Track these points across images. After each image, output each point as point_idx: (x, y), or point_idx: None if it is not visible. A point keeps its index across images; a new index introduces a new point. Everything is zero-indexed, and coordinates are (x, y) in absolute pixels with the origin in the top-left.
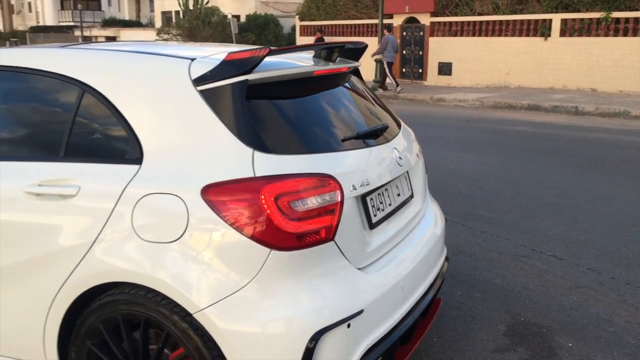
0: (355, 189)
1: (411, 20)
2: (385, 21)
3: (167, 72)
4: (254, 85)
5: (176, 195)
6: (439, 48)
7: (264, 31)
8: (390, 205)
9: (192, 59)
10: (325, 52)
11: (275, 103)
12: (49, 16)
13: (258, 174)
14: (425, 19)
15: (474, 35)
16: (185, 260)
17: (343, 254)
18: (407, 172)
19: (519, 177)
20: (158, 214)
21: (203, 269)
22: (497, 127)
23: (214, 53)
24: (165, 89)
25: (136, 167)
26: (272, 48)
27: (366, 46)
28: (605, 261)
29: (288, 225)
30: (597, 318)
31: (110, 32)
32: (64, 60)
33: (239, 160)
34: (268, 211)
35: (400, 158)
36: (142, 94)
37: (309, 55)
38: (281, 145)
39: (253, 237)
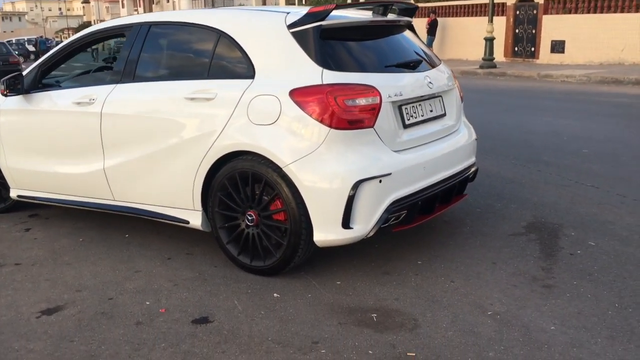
0: (390, 97)
1: None
2: (498, 1)
3: (272, 21)
4: (326, 29)
5: (274, 96)
6: (552, 26)
7: None
8: (422, 116)
9: (287, 13)
10: (381, 9)
11: (340, 41)
12: (184, 6)
13: (324, 82)
14: None
15: (588, 12)
16: (278, 135)
17: (380, 138)
18: (441, 97)
19: (593, 135)
20: (263, 107)
21: (288, 139)
22: (595, 98)
23: (301, 9)
24: (270, 31)
25: (250, 80)
26: (337, 4)
27: (417, 7)
28: (636, 190)
29: (342, 114)
30: (603, 220)
31: None
32: (207, 17)
33: (313, 75)
34: (329, 104)
35: (430, 83)
36: (256, 34)
37: (368, 12)
38: (342, 66)
39: (319, 120)
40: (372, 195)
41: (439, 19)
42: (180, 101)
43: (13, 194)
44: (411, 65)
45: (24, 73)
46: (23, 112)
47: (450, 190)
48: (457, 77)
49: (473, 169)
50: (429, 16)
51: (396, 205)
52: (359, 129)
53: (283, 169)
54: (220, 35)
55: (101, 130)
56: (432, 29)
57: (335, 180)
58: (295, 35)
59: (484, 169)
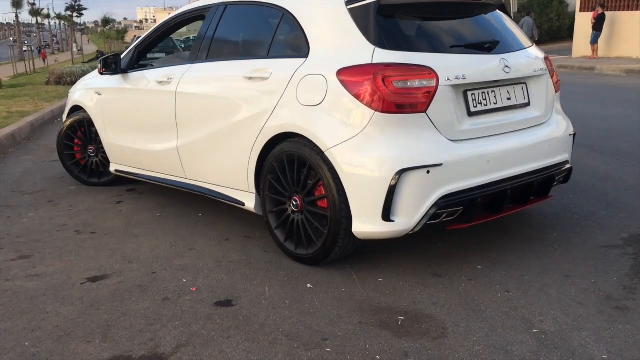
0: (450, 80)
1: None
2: None
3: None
4: (385, 5)
5: (322, 75)
6: None
7: (546, 9)
8: (495, 103)
9: None
10: None
11: (401, 18)
12: None
13: (374, 62)
14: None
15: None
16: (323, 116)
17: (434, 125)
18: (525, 84)
19: None
20: (310, 87)
21: (333, 122)
22: None
23: None
24: (328, 8)
25: (304, 59)
26: None
27: None
28: None
29: (389, 97)
30: None
31: None
32: None
33: (364, 53)
34: (375, 86)
35: (507, 67)
36: (315, 11)
37: None
38: (398, 45)
39: (363, 102)
40: (418, 187)
41: (607, 13)
42: (240, 80)
43: (112, 168)
44: (485, 47)
45: (123, 54)
46: (120, 91)
47: (527, 189)
48: (623, 75)
49: (563, 168)
50: (595, 9)
51: (448, 200)
52: (409, 113)
53: (325, 152)
54: (284, 14)
55: (175, 108)
56: (598, 23)
57: (376, 167)
58: (352, 11)
59: (606, 172)
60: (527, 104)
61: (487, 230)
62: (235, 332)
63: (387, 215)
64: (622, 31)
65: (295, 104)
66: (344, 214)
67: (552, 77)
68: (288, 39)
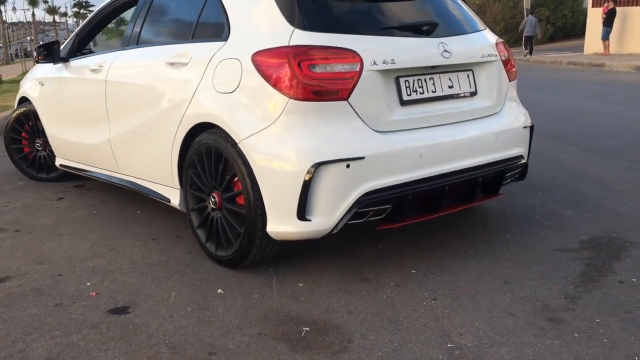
0: (377, 65)
1: None
2: None
3: None
4: None
5: (237, 59)
6: None
7: (560, 6)
8: (434, 92)
9: None
10: None
11: None
12: None
13: (291, 44)
14: None
15: None
16: (237, 105)
17: (357, 114)
18: (471, 70)
19: None
20: (226, 72)
21: (246, 111)
22: None
23: None
24: None
25: (223, 42)
26: None
27: None
28: None
29: (305, 83)
30: None
31: None
32: None
33: (282, 35)
34: (290, 70)
35: (446, 52)
36: None
37: None
38: (320, 26)
39: (277, 88)
40: (336, 183)
41: (618, 9)
42: (162, 66)
43: (57, 162)
44: (423, 30)
45: (64, 42)
46: (59, 80)
47: (471, 186)
48: (633, 71)
49: (517, 163)
50: (604, 4)
51: (372, 198)
52: (329, 101)
53: (238, 144)
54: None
55: (106, 98)
56: (608, 19)
57: (289, 161)
58: None
59: (585, 170)
60: (474, 93)
61: (433, 230)
62: (116, 344)
63: (302, 213)
64: (634, 27)
65: (211, 91)
66: (259, 211)
67: (506, 64)
68: (211, 22)
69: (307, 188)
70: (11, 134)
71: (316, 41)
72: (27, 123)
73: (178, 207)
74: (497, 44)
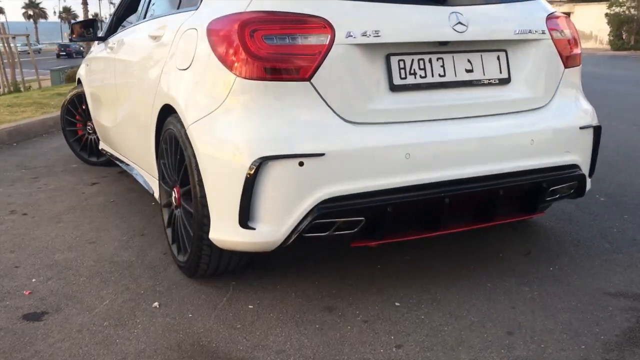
0: (352, 36)
1: None
2: None
3: None
4: None
5: (195, 29)
6: None
7: None
8: (442, 76)
9: None
10: None
11: None
12: None
13: (248, 10)
14: None
15: None
16: (188, 84)
17: (322, 99)
18: (504, 51)
19: None
20: (184, 45)
21: (196, 92)
22: None
23: None
24: None
25: (194, 10)
26: None
27: None
28: None
29: (256, 57)
30: None
31: (565, 7)
32: None
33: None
34: (239, 42)
35: (460, 24)
36: None
37: None
38: None
39: (225, 64)
40: (286, 184)
41: None
42: (147, 40)
43: (100, 146)
44: None
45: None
46: (95, 60)
47: (490, 200)
48: None
49: (568, 175)
50: None
51: (336, 206)
52: (285, 81)
53: (187, 129)
54: None
55: (115, 77)
56: None
57: (230, 153)
58: None
59: None
60: (506, 80)
61: (455, 248)
62: None
63: (244, 219)
64: None
65: (173, 67)
66: (205, 212)
67: (562, 45)
68: None
69: (249, 188)
70: (66, 115)
71: (276, 6)
72: (80, 106)
73: (159, 201)
74: (550, 17)
